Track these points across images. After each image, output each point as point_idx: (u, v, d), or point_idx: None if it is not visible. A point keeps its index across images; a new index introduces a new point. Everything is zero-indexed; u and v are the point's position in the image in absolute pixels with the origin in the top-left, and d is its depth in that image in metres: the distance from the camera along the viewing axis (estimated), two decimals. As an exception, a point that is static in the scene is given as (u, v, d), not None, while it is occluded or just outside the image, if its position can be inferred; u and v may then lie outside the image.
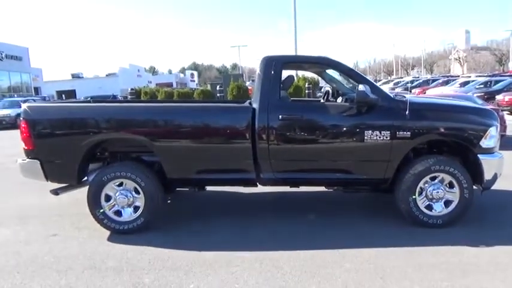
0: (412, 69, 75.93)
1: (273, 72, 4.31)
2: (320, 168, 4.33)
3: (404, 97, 4.46)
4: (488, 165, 4.21)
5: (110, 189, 4.33)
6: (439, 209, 4.28)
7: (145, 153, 4.62)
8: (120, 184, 4.33)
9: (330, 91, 5.56)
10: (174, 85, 63.23)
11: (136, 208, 4.36)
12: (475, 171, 4.27)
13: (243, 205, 5.45)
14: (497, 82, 19.50)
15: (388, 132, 4.14)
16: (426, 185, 4.26)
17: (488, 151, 4.22)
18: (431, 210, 4.28)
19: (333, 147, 4.28)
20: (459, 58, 69.01)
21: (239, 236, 4.27)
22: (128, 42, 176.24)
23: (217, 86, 11.53)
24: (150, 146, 4.28)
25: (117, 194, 4.32)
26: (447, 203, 4.28)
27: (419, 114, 4.21)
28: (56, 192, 4.51)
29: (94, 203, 4.32)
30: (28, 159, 4.35)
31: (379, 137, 4.14)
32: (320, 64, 4.75)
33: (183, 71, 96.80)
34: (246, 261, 3.66)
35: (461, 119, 4.28)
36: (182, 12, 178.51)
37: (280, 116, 4.18)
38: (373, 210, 5.03)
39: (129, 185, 4.32)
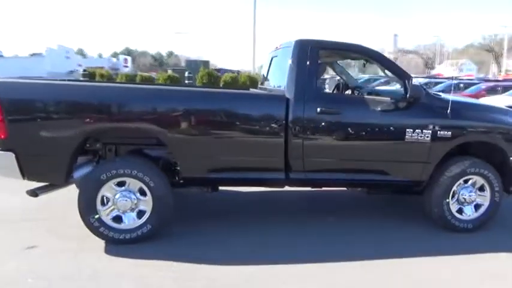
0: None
1: (308, 58, 3.77)
2: (356, 168, 3.90)
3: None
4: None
5: (108, 189, 3.51)
6: (469, 212, 4.09)
7: (148, 146, 3.85)
8: (121, 184, 3.53)
9: (341, 84, 5.17)
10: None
11: (140, 213, 3.59)
12: (504, 174, 4.14)
13: (244, 205, 4.87)
14: (437, 83, 20.81)
15: (430, 131, 3.83)
16: (458, 187, 4.05)
17: None
18: (461, 214, 4.09)
19: (372, 145, 3.87)
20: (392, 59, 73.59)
21: (260, 244, 3.71)
22: (53, 21, 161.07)
23: (186, 73, 10.64)
24: (164, 138, 3.53)
25: (117, 196, 3.52)
26: (477, 207, 4.11)
27: (461, 113, 3.96)
28: (34, 193, 3.56)
29: (87, 206, 3.47)
30: (-1, 151, 3.37)
31: (420, 136, 3.82)
32: (361, 54, 4.27)
33: (115, 55, 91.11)
34: (293, 276, 3.14)
35: (500, 120, 4.11)
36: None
37: (318, 109, 3.67)
38: (387, 212, 4.76)
39: (133, 184, 3.53)
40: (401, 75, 3.90)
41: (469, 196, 4.05)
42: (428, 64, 62.35)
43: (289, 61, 3.79)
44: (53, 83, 3.88)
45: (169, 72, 11.52)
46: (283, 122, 3.63)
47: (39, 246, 3.53)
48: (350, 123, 3.79)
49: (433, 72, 61.19)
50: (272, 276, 3.14)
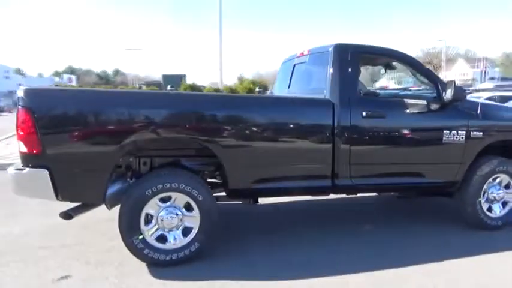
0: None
1: (349, 62, 3.73)
2: (400, 172, 3.87)
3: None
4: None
5: (152, 206, 3.20)
6: (498, 210, 4.23)
7: (188, 157, 3.58)
8: (165, 199, 3.23)
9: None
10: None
11: (186, 230, 3.30)
12: None
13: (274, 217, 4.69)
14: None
15: (464, 132, 3.93)
16: (488, 186, 4.17)
17: None
18: (491, 212, 4.21)
19: (415, 148, 3.88)
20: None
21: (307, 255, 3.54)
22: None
23: (168, 86, 10.24)
24: (215, 148, 3.28)
25: (161, 213, 3.22)
26: (504, 204, 4.26)
27: (490, 114, 4.11)
28: (68, 215, 3.18)
29: (130, 226, 3.14)
30: (29, 168, 2.95)
31: (456, 138, 3.90)
32: (398, 60, 4.28)
33: (57, 74, 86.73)
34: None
35: None
36: (54, 10, 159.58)
37: (364, 113, 3.63)
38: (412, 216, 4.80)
39: (179, 199, 3.25)
40: (435, 79, 3.99)
41: (498, 194, 4.19)
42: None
43: (330, 66, 3.72)
44: (95, 90, 3.52)
45: (144, 87, 10.97)
46: (331, 127, 3.55)
47: (72, 276, 3.11)
48: (395, 127, 3.79)
49: (377, 84, 64.54)
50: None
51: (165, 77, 9.69)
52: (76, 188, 3.06)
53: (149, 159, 3.50)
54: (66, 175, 2.99)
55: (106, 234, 3.87)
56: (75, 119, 3.02)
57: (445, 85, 3.89)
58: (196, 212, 3.28)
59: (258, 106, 3.61)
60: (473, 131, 3.96)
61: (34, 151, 2.91)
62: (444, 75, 55.71)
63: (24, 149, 2.94)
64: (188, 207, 3.28)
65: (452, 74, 64.90)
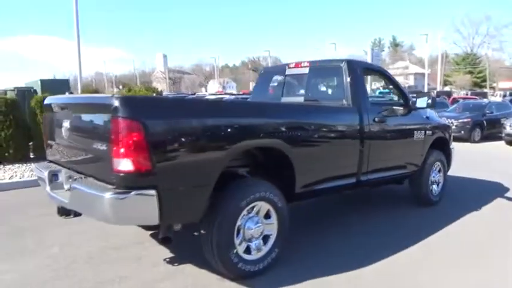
0: (124, 86, 77.40)
1: (360, 75, 4.36)
2: (391, 166, 4.71)
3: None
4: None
5: (242, 217, 3.14)
6: (436, 189, 5.56)
7: (256, 166, 3.60)
8: (250, 209, 3.21)
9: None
10: None
11: (265, 238, 3.34)
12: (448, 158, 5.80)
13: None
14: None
15: (423, 131, 5.08)
16: (432, 172, 5.44)
17: None
18: (433, 191, 5.50)
19: (402, 145, 4.80)
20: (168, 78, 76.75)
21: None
22: None
23: (67, 93, 8.59)
24: (290, 154, 3.39)
25: (246, 224, 3.19)
26: (438, 185, 5.63)
27: (432, 117, 5.38)
28: (168, 239, 2.81)
29: (227, 241, 3.02)
30: (136, 191, 2.52)
31: (420, 135, 5.02)
32: (383, 76, 5.10)
33: None
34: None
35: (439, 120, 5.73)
36: None
37: (376, 119, 4.31)
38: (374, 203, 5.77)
39: (262, 208, 3.27)
40: (403, 91, 5.01)
41: (436, 177, 5.53)
42: (205, 82, 68.83)
43: (347, 78, 4.27)
44: (201, 100, 3.09)
45: (9, 94, 8.86)
46: (358, 130, 4.12)
47: None
48: (391, 129, 4.62)
49: (202, 90, 68.21)
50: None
51: (43, 82, 7.96)
52: (179, 208, 2.76)
53: (234, 169, 3.41)
54: (173, 193, 2.68)
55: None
56: (186, 131, 2.75)
57: (405, 96, 4.96)
58: (274, 218, 3.36)
59: (322, 113, 3.95)
60: (427, 130, 5.16)
61: (143, 168, 2.52)
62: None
63: (131, 168, 2.50)
64: (267, 215, 3.33)
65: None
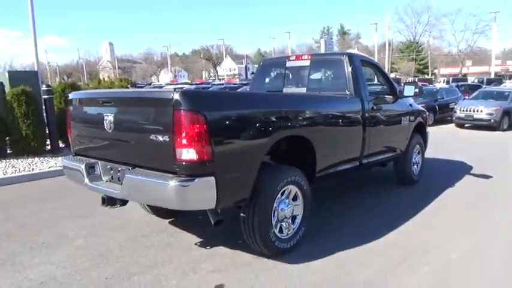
0: (69, 77, 73.30)
1: (359, 67, 4.77)
2: (384, 150, 5.20)
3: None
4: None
5: (277, 200, 3.45)
6: (417, 169, 6.19)
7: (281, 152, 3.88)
8: (283, 193, 3.53)
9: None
10: None
11: (294, 218, 3.68)
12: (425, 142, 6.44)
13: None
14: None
15: (408, 117, 5.63)
16: (414, 154, 6.04)
17: None
18: (414, 171, 6.11)
19: (393, 130, 5.31)
20: (116, 68, 73.64)
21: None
22: None
23: (44, 86, 8.08)
24: (313, 140, 3.74)
25: (280, 205, 3.51)
26: (418, 165, 6.25)
27: (414, 104, 5.95)
28: (221, 221, 3.06)
29: (266, 222, 3.32)
30: (199, 178, 2.75)
31: (406, 121, 5.57)
32: (374, 67, 5.52)
33: None
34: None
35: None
36: None
37: (374, 107, 4.76)
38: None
39: (292, 191, 3.60)
40: (391, 81, 5.51)
41: (418, 159, 6.15)
42: (157, 72, 67.27)
43: (348, 70, 4.66)
44: (252, 93, 3.30)
45: None
46: (361, 117, 4.54)
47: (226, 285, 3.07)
48: (386, 115, 5.10)
49: (153, 79, 66.72)
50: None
51: (11, 73, 7.33)
52: (231, 193, 3.03)
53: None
54: (227, 179, 2.93)
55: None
56: (240, 122, 3.08)
57: (393, 85, 5.47)
58: (300, 200, 3.69)
59: (335, 103, 4.35)
60: (411, 116, 5.72)
61: (205, 157, 2.75)
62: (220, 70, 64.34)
63: (194, 157, 2.72)
64: (294, 197, 3.66)
65: (222, 69, 73.27)
